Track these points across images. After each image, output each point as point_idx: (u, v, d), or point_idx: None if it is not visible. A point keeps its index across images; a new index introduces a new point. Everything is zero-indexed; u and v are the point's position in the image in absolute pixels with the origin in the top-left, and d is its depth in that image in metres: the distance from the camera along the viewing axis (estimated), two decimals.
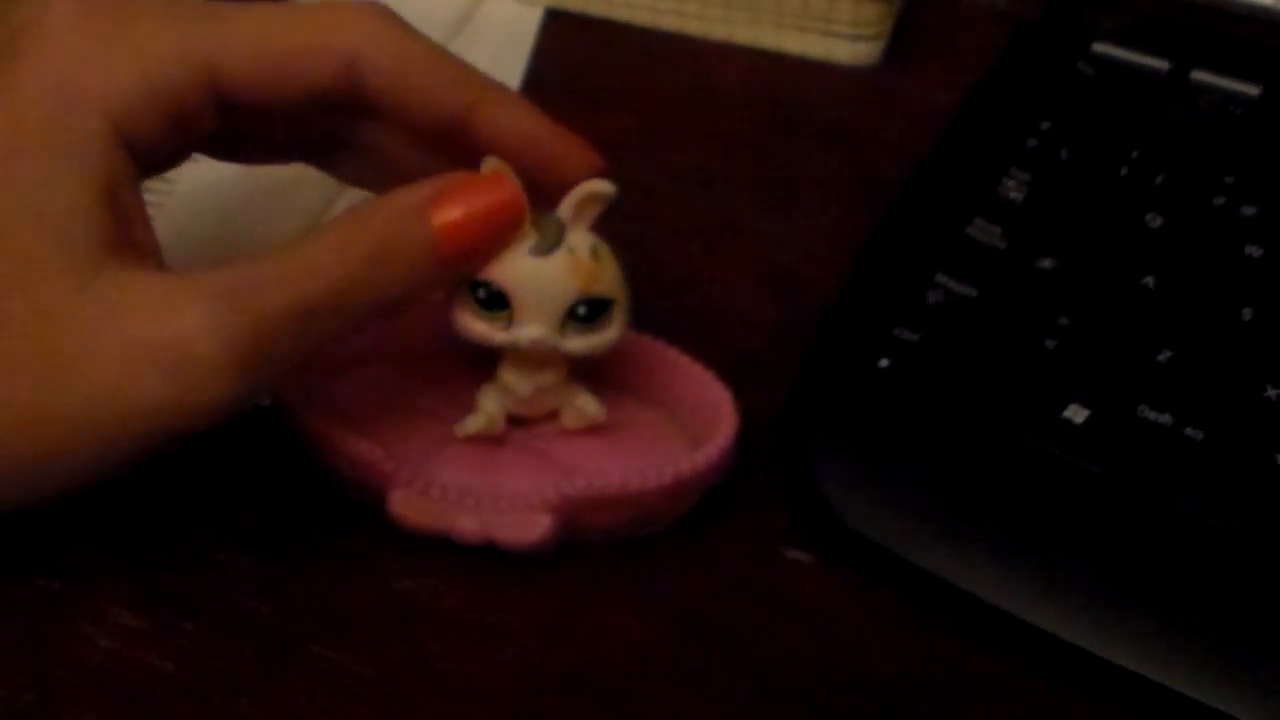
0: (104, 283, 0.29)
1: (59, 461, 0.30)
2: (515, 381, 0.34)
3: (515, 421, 0.35)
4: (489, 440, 0.34)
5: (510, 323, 0.32)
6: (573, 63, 0.49)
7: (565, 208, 0.32)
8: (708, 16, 0.49)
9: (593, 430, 0.35)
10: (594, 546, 0.33)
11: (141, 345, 0.29)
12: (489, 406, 0.34)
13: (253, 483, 0.34)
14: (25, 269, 0.29)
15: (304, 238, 0.31)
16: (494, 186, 0.31)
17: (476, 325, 0.32)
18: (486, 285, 0.32)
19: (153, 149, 0.31)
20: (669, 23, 0.50)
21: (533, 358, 0.33)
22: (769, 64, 0.49)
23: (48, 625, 0.31)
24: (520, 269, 0.32)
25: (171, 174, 0.35)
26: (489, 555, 0.33)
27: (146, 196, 0.32)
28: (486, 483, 0.33)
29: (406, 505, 0.33)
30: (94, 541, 0.33)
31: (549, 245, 0.32)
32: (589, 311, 0.32)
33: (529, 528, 0.32)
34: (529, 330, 0.32)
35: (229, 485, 0.34)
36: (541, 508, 0.32)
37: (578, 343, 0.32)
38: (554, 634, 0.32)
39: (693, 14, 0.49)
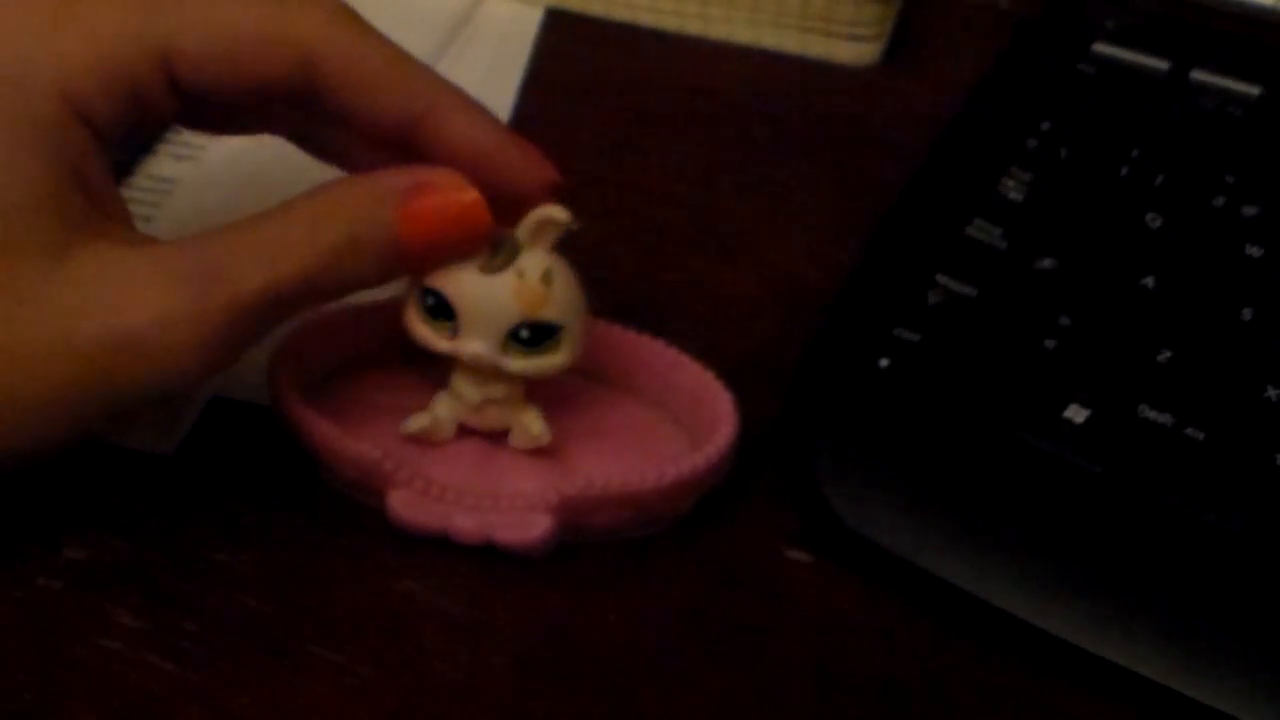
0: (75, 265, 0.30)
1: (33, 436, 0.30)
2: (465, 389, 0.34)
3: None
4: (489, 440, 0.34)
5: (454, 333, 0.32)
6: (573, 63, 0.49)
7: (523, 229, 0.32)
8: (708, 16, 0.49)
9: (593, 430, 0.35)
10: (594, 546, 0.33)
11: (116, 331, 0.29)
12: (438, 410, 0.34)
13: (253, 483, 0.34)
14: None
15: (277, 209, 0.31)
16: (464, 189, 0.31)
17: (422, 330, 0.33)
18: (435, 293, 0.32)
19: (111, 127, 0.31)
20: (669, 23, 0.50)
21: (483, 369, 0.33)
22: (769, 64, 0.49)
23: (48, 625, 0.31)
24: (466, 283, 0.32)
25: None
26: (489, 555, 0.33)
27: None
28: (486, 483, 0.33)
29: (406, 505, 0.33)
30: (94, 541, 0.33)
31: (498, 264, 0.32)
32: (532, 335, 0.32)
33: (529, 528, 0.32)
34: (469, 345, 0.32)
35: (229, 485, 0.34)
36: (541, 508, 0.32)
37: (520, 364, 0.32)
38: (553, 634, 0.32)
39: (693, 14, 0.49)
